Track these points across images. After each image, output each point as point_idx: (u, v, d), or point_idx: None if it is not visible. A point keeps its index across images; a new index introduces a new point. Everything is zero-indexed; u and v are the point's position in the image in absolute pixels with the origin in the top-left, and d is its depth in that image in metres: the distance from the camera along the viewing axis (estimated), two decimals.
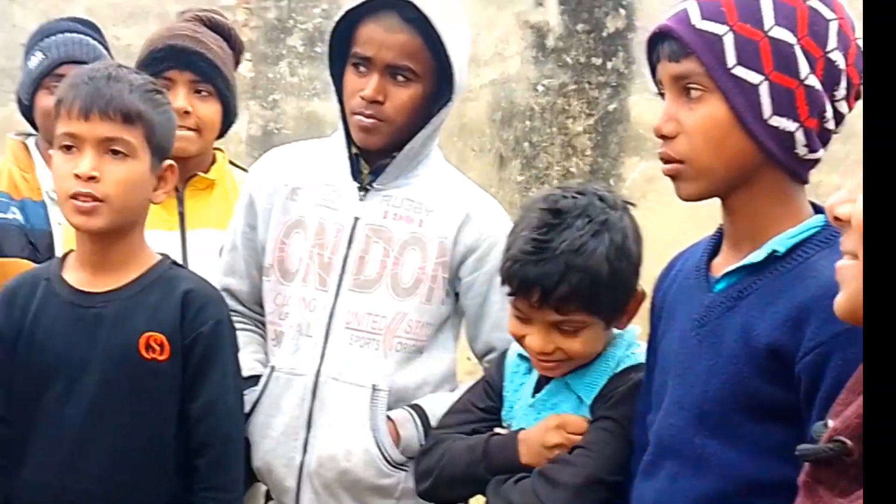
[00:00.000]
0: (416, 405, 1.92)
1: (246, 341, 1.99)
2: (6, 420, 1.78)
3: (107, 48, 2.50)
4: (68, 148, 1.72)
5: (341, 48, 1.91)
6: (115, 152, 1.72)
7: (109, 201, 1.71)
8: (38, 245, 2.30)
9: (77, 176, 1.70)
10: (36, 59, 2.38)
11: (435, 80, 1.90)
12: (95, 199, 1.70)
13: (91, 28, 2.52)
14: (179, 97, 2.21)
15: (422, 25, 1.84)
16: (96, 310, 1.76)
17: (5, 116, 5.13)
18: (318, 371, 1.90)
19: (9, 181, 2.38)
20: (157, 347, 1.74)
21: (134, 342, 1.74)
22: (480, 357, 2.02)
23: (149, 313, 1.76)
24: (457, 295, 1.97)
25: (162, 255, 1.86)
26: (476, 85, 4.27)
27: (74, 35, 2.45)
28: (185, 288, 1.78)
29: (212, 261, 2.16)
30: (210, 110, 2.27)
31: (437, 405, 1.91)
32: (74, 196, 1.71)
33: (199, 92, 2.26)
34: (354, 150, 1.94)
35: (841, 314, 1.03)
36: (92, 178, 1.70)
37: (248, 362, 1.96)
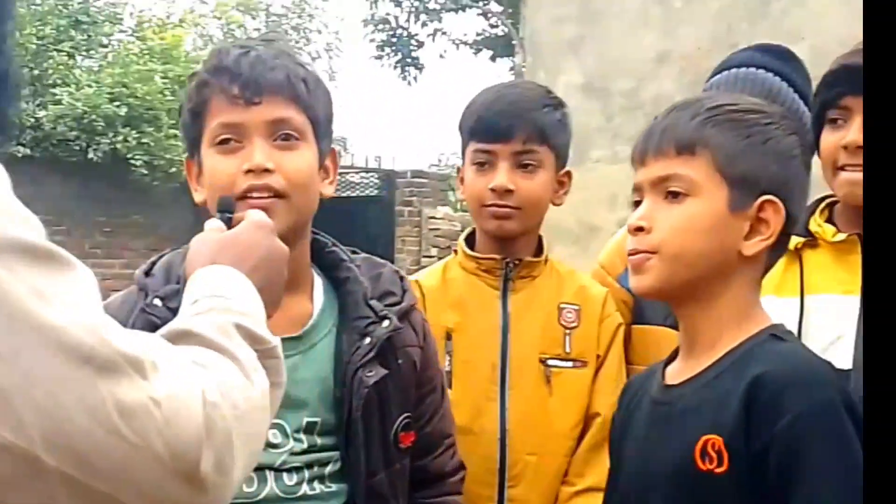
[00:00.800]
0: None
1: None
2: None
3: (794, 80, 2.05)
4: (637, 204, 1.40)
5: None
6: (674, 194, 1.34)
7: (662, 252, 1.34)
8: None
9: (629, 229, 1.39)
10: None
11: None
12: (647, 252, 1.35)
13: (778, 57, 2.11)
14: (854, 129, 1.70)
15: None
16: (668, 407, 1.37)
17: None
18: None
19: None
20: (714, 455, 1.25)
21: (691, 448, 1.28)
22: None
23: (713, 409, 1.28)
24: None
25: (774, 325, 1.37)
26: None
27: (741, 70, 2.08)
28: (756, 371, 1.25)
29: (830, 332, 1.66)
30: None
31: None
32: (631, 252, 1.39)
33: None
34: None
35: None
36: (640, 230, 1.36)
37: None
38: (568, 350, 1.91)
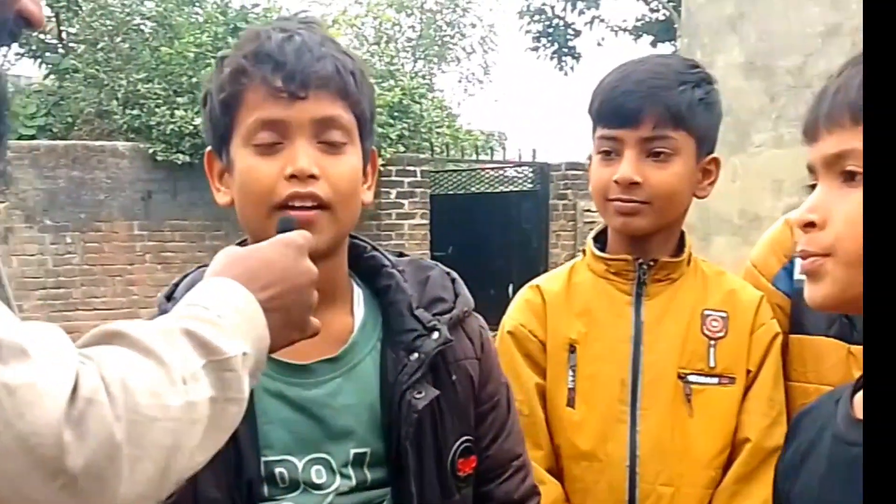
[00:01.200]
0: None
1: None
2: None
3: None
4: (813, 190, 1.14)
5: None
6: (853, 175, 1.06)
7: (837, 252, 1.07)
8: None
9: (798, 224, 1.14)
10: None
11: None
12: (819, 254, 1.08)
13: None
14: None
15: None
16: (858, 449, 1.05)
17: None
18: None
19: None
20: None
21: None
22: None
23: None
24: None
25: None
26: None
27: None
28: None
29: None
30: None
31: None
32: (801, 255, 1.13)
33: None
34: None
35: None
36: (811, 225, 1.09)
37: None
38: (712, 364, 1.65)
